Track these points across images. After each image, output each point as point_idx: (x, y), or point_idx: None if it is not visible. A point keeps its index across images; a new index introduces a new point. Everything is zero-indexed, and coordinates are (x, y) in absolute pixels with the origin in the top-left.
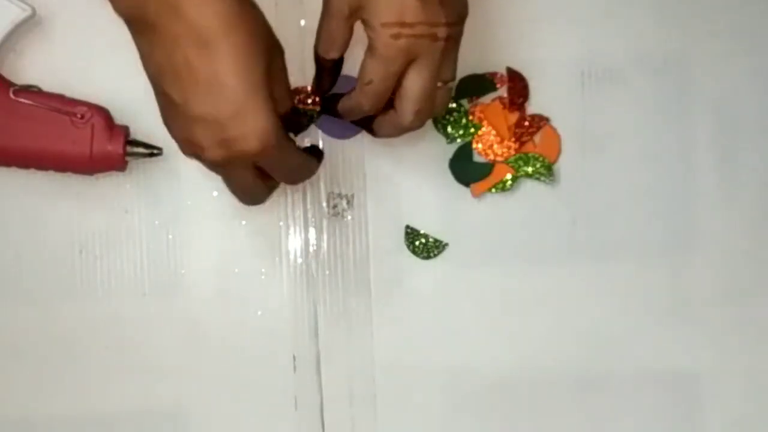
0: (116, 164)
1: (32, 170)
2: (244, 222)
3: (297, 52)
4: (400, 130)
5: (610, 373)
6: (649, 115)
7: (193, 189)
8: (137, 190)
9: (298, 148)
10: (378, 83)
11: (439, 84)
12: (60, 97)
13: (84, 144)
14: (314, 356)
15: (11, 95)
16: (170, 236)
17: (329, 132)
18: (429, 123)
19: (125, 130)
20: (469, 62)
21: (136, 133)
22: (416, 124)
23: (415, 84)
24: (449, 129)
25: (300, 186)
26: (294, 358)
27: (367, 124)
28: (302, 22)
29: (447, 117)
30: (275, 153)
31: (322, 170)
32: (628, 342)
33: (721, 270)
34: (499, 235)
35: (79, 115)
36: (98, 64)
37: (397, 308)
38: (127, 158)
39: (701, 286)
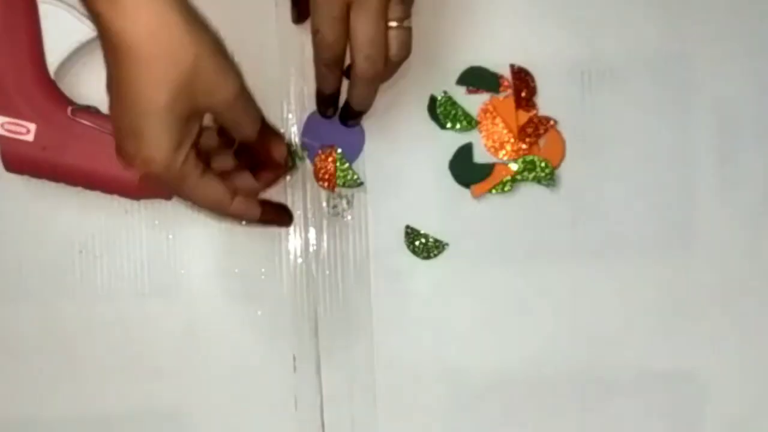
0: (162, 193)
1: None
2: (244, 222)
3: (297, 52)
4: (360, 83)
5: (609, 373)
6: (649, 115)
7: None
8: None
9: (216, 182)
10: (325, 32)
11: (393, 24)
12: None
13: (134, 170)
14: (314, 356)
15: (69, 113)
16: (170, 236)
17: (322, 139)
18: (425, 114)
19: None
20: (469, 62)
21: None
22: (369, 72)
23: (358, 27)
24: (441, 115)
25: (300, 186)
26: (294, 358)
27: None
28: None
29: (441, 102)
30: (176, 182)
31: None
32: (628, 341)
33: (722, 270)
34: (500, 235)
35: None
36: None
37: (397, 308)
38: None
39: (701, 285)
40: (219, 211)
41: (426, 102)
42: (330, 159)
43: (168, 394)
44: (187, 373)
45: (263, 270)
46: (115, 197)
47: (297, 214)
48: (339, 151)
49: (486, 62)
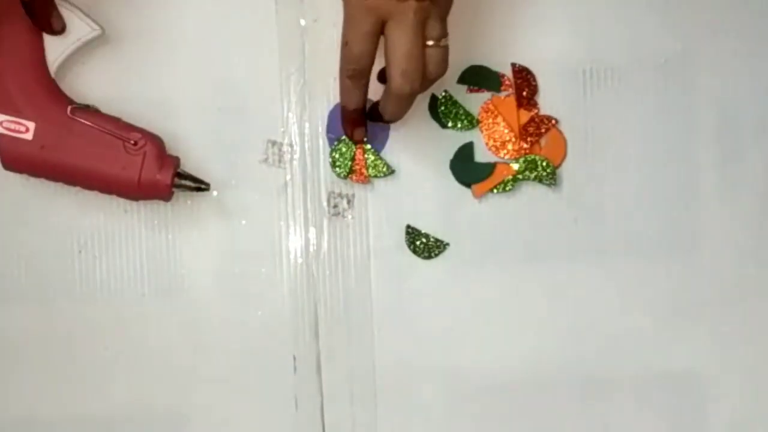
0: (162, 194)
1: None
2: (244, 222)
3: (297, 52)
4: (395, 99)
5: (611, 373)
6: (650, 114)
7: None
8: None
9: None
10: (354, 44)
11: (430, 43)
12: (116, 121)
13: (134, 170)
14: (314, 356)
15: (68, 113)
16: (170, 236)
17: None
18: (426, 113)
19: (176, 161)
20: (470, 62)
21: (186, 165)
22: (405, 88)
23: (395, 43)
24: (441, 114)
25: (300, 186)
26: (294, 358)
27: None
28: (302, 22)
29: (442, 101)
30: None
31: (323, 170)
32: (629, 341)
33: (724, 269)
34: (500, 235)
35: (132, 141)
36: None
37: (398, 308)
38: (174, 189)
39: (704, 285)
40: None
41: (427, 101)
42: (359, 150)
43: (168, 394)
44: (187, 373)
45: (263, 270)
46: (115, 197)
47: (297, 213)
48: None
49: (487, 61)
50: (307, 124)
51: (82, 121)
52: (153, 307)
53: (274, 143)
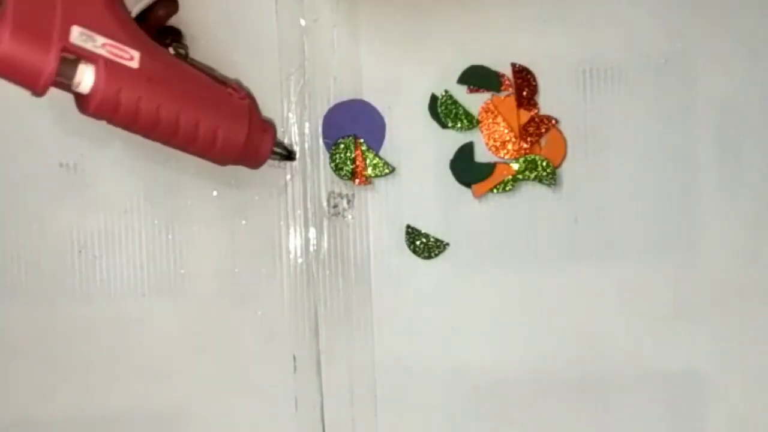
0: (259, 159)
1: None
2: (244, 222)
3: (297, 52)
4: None
5: (611, 373)
6: (650, 114)
7: (193, 189)
8: (137, 190)
9: None
10: None
11: None
12: (210, 68)
13: (242, 122)
14: (314, 356)
15: (171, 50)
16: (170, 236)
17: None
18: (426, 113)
19: (274, 125)
20: (470, 62)
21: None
22: None
23: None
24: (441, 114)
25: (300, 186)
26: (294, 358)
27: None
28: (302, 22)
29: (442, 101)
30: None
31: (323, 170)
32: (629, 342)
33: (724, 269)
34: (501, 235)
35: (235, 90)
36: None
37: (398, 308)
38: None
39: (703, 285)
40: None
41: (427, 101)
42: (357, 151)
43: (168, 394)
44: (187, 373)
45: (263, 270)
46: (116, 198)
47: (297, 213)
48: (361, 140)
49: (487, 61)
50: (307, 124)
51: (182, 61)
52: (153, 307)
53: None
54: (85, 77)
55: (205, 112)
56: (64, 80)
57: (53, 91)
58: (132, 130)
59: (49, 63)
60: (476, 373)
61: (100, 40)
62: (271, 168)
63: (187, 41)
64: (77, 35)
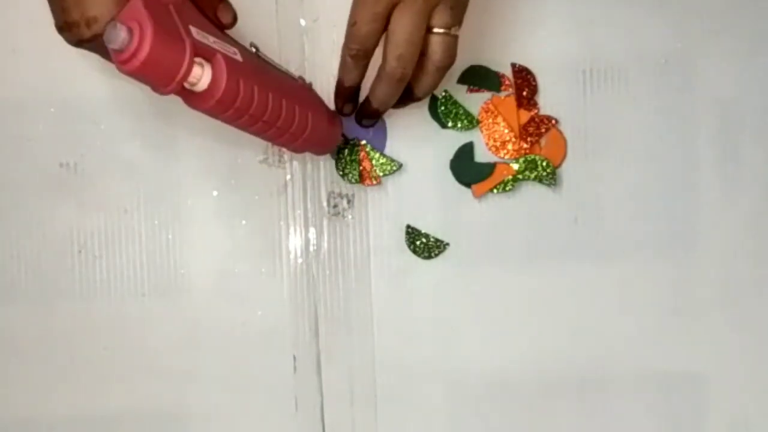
0: (335, 143)
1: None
2: (244, 222)
3: (297, 52)
4: (386, 81)
5: (611, 373)
6: (650, 114)
7: (193, 189)
8: (137, 190)
9: None
10: (362, 24)
11: (440, 30)
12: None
13: (321, 110)
14: (314, 356)
15: (252, 48)
16: (170, 236)
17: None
18: (426, 113)
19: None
20: (470, 62)
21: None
22: (398, 72)
23: (397, 26)
24: (441, 114)
25: (300, 186)
26: (294, 358)
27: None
28: (302, 22)
29: (442, 101)
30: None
31: (323, 170)
32: (629, 342)
33: (724, 269)
34: (501, 235)
35: (300, 80)
36: None
37: (398, 308)
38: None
39: (704, 285)
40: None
41: (427, 101)
42: (362, 154)
43: (168, 394)
44: (187, 373)
45: (263, 270)
46: (116, 198)
47: (297, 213)
48: (364, 142)
49: (487, 61)
50: None
51: (265, 59)
52: (153, 307)
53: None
54: (204, 74)
55: (298, 99)
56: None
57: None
58: (237, 123)
59: (185, 61)
60: (476, 373)
61: (211, 38)
62: (272, 168)
63: None
64: (196, 33)
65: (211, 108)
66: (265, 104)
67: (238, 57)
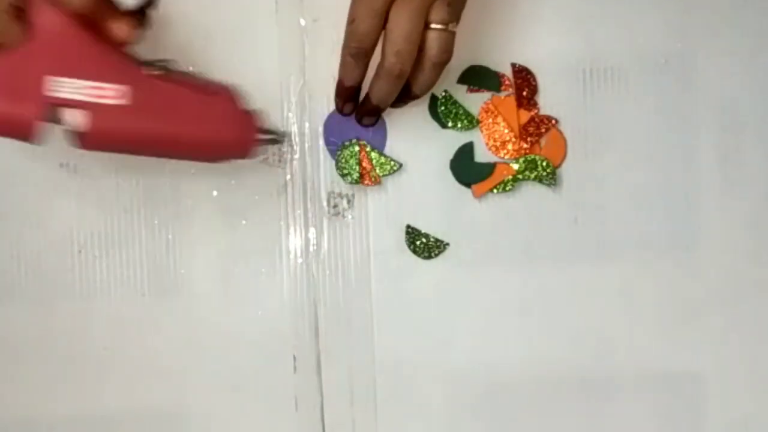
0: (248, 149)
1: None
2: (244, 222)
3: (297, 52)
4: (384, 78)
5: (611, 373)
6: (651, 114)
7: (193, 189)
8: (137, 190)
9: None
10: (360, 21)
11: (437, 26)
12: (189, 75)
13: (223, 122)
14: (314, 356)
15: (147, 72)
16: (170, 236)
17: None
18: (426, 113)
19: (255, 113)
20: (470, 62)
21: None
22: (396, 68)
23: (395, 22)
24: (441, 114)
25: (300, 186)
26: (294, 358)
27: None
28: (302, 22)
29: (442, 101)
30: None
31: (323, 170)
32: (629, 342)
33: (724, 270)
34: (501, 235)
35: (215, 94)
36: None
37: (398, 308)
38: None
39: (704, 286)
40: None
41: (427, 101)
42: (363, 154)
43: (168, 394)
44: (187, 373)
45: (263, 270)
46: (115, 198)
47: (297, 213)
48: (363, 142)
49: (487, 61)
50: (307, 124)
51: (165, 80)
52: (153, 307)
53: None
54: (73, 120)
55: (189, 125)
56: (57, 123)
57: None
58: (122, 152)
59: (31, 116)
60: (476, 373)
61: (81, 83)
62: (272, 168)
63: (186, 41)
64: (52, 85)
65: (86, 149)
66: (145, 142)
67: (122, 100)
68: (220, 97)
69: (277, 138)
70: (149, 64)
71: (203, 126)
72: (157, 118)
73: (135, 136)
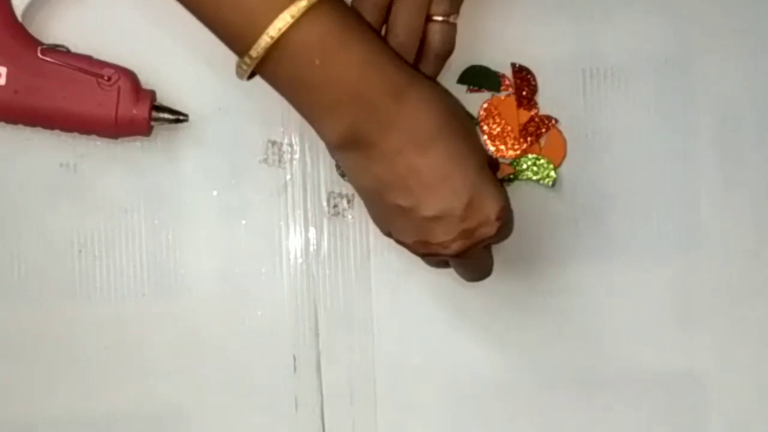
0: (141, 129)
1: (56, 133)
2: (244, 222)
3: None
4: None
5: (612, 374)
6: (651, 113)
7: (193, 189)
8: (137, 189)
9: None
10: (363, 15)
11: (438, 18)
12: (87, 59)
13: (109, 107)
14: (314, 356)
15: (39, 54)
16: (170, 236)
17: None
18: None
19: (152, 94)
20: (469, 62)
21: (163, 99)
22: None
23: (397, 15)
24: None
25: (300, 186)
26: (294, 358)
27: None
28: None
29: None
30: (509, 229)
31: (323, 170)
32: (630, 342)
33: (725, 269)
34: None
35: (106, 77)
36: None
37: (398, 308)
38: (153, 123)
39: (705, 285)
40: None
41: None
42: None
43: (168, 394)
44: (187, 373)
45: (263, 270)
46: (115, 197)
47: (297, 213)
48: None
49: (487, 61)
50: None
51: (53, 61)
52: (153, 307)
53: (274, 143)
54: None
55: (70, 105)
56: None
57: None
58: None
59: None
60: (476, 373)
61: None
62: (272, 168)
63: (186, 43)
64: None
65: None
66: (27, 119)
67: (1, 81)
68: (113, 77)
69: (177, 118)
70: (50, 48)
71: (85, 104)
72: (37, 97)
73: (14, 113)
